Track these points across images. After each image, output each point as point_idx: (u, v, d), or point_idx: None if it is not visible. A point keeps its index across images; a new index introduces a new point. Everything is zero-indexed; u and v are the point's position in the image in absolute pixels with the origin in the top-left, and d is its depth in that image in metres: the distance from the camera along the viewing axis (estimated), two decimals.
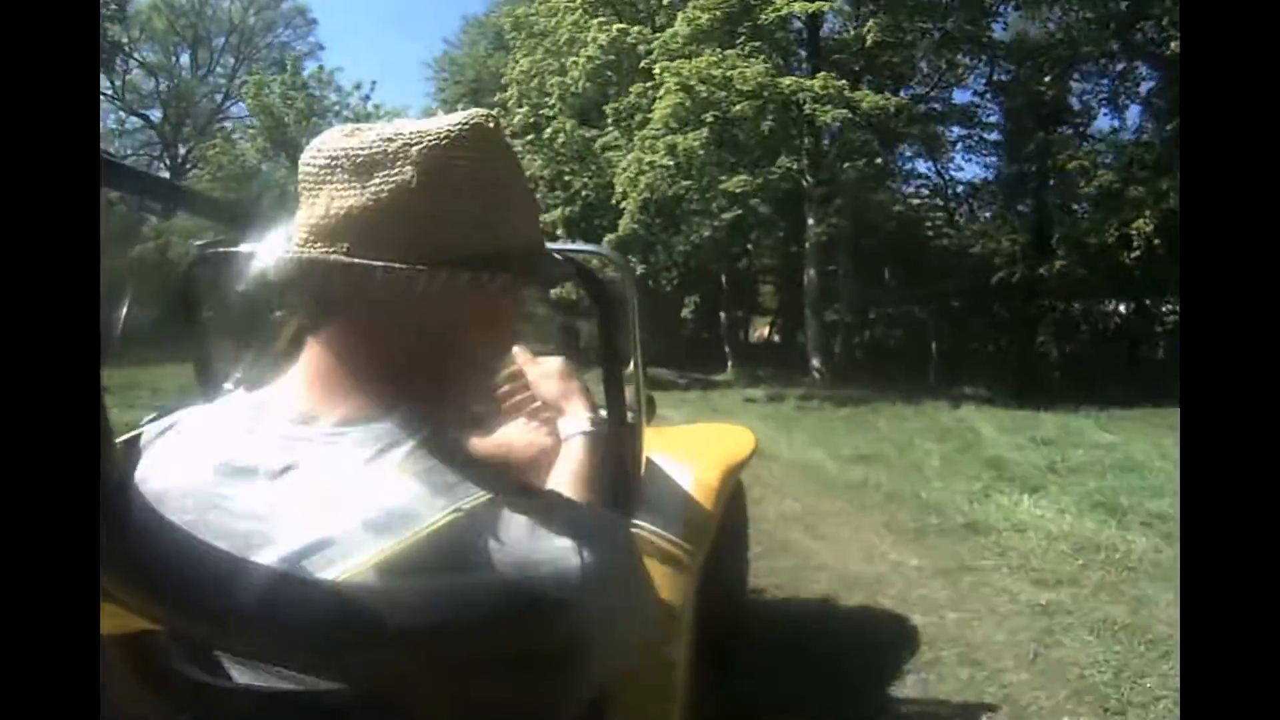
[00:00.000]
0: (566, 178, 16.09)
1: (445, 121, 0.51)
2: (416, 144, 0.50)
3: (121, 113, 23.82)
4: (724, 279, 17.76)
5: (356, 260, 0.49)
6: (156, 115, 24.35)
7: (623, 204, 13.37)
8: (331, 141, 0.52)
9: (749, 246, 18.66)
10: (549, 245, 0.67)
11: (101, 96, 22.77)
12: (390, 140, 0.50)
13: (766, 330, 23.16)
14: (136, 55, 23.79)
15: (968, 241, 17.62)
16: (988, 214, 17.92)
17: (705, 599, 1.35)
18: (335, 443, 0.49)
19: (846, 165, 14.09)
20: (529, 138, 16.05)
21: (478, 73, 23.10)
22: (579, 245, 2.55)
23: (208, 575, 0.40)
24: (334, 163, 0.50)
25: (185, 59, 24.84)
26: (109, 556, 0.33)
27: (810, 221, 14.04)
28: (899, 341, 19.31)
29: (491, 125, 0.53)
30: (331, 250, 0.50)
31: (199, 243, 0.96)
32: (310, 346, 0.53)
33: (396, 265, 0.48)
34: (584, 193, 15.94)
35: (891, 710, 2.15)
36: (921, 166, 17.78)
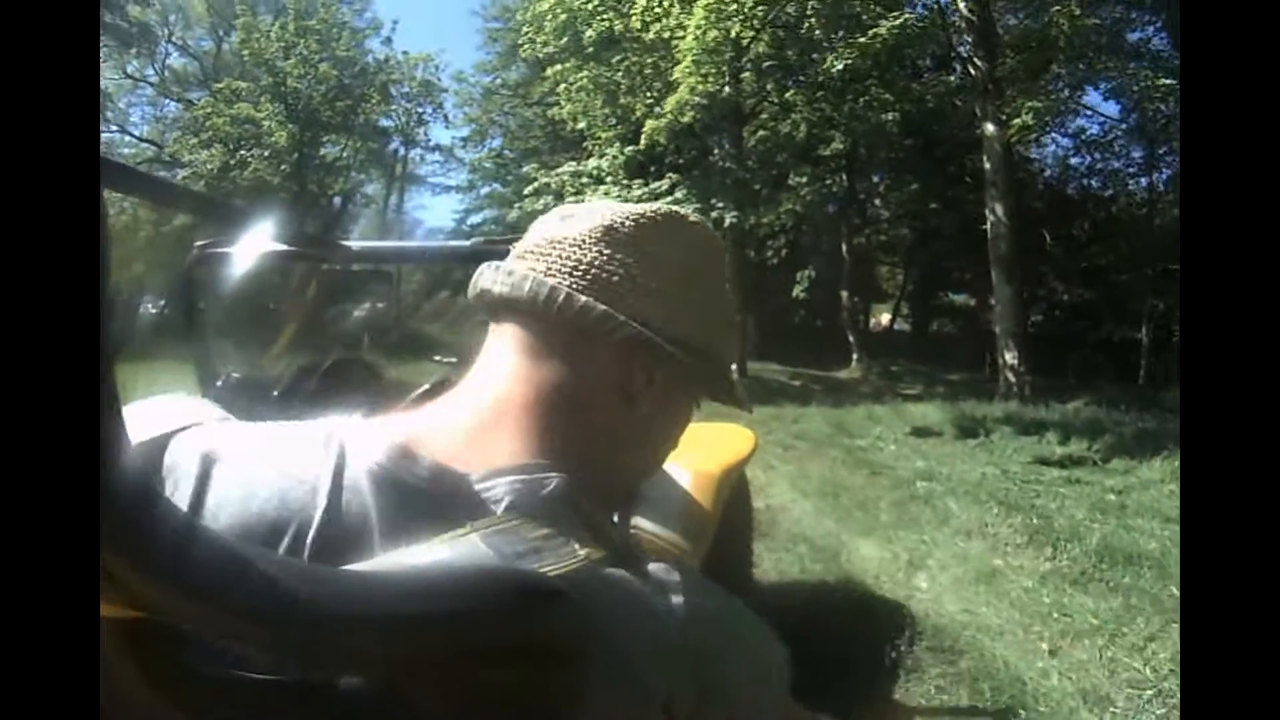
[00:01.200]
0: (621, 100, 12.34)
1: (654, 206, 0.58)
2: (611, 210, 0.56)
3: (164, 99, 22.21)
4: (844, 249, 13.90)
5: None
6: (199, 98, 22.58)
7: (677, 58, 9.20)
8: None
9: (867, 208, 14.80)
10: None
11: (141, 83, 21.95)
12: (597, 207, 0.57)
13: (887, 318, 19.34)
14: (175, 39, 22.29)
15: (1157, 197, 13.56)
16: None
17: None
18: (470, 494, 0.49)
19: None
20: (562, 41, 12.42)
21: None
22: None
23: (221, 562, 0.36)
24: (556, 214, 0.59)
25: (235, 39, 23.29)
26: (118, 541, 0.32)
27: (991, 128, 9.39)
28: (1059, 326, 15.28)
29: (680, 216, 0.58)
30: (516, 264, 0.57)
31: (199, 242, 1.02)
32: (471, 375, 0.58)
33: (542, 277, 0.53)
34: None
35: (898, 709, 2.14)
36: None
